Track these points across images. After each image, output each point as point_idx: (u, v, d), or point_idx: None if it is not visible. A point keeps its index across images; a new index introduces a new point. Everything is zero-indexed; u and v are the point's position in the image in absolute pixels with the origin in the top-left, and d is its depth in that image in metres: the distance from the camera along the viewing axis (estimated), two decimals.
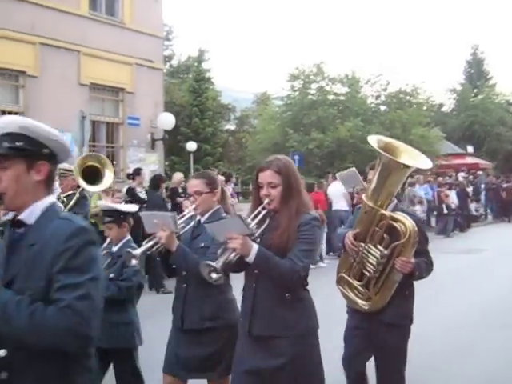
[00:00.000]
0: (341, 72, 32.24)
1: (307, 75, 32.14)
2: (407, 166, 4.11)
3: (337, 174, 12.58)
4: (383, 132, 28.44)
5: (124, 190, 12.42)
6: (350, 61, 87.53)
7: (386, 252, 4.12)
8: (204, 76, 38.78)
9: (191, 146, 27.97)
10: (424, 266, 4.31)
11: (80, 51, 17.83)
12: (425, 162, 4.27)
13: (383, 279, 4.21)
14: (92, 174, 8.12)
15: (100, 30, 18.48)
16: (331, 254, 15.60)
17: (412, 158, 4.21)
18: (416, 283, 4.45)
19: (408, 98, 32.38)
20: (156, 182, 12.17)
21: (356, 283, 4.40)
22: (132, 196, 12.28)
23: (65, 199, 7.92)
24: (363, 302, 4.35)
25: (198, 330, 4.22)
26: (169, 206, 12.95)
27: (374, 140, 4.33)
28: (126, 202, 11.76)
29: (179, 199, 13.13)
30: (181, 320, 4.32)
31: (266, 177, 3.57)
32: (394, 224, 4.10)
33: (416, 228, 4.07)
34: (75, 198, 8.19)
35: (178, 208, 12.81)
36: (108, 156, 19.17)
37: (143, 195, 12.37)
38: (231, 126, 46.06)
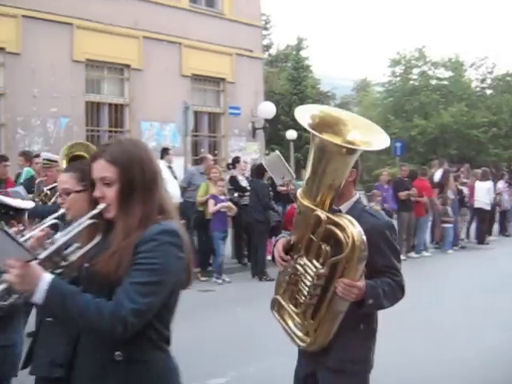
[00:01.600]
0: (444, 56, 31.36)
1: (409, 60, 31.48)
2: (350, 150, 2.92)
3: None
4: (490, 117, 27.40)
5: (227, 178, 12.59)
6: (453, 44, 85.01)
7: (322, 271, 2.90)
8: (303, 64, 38.57)
9: (291, 134, 27.93)
10: (385, 291, 3.03)
11: (181, 43, 18.19)
12: (380, 142, 3.04)
13: (324, 308, 2.96)
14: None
15: (200, 22, 18.76)
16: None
17: (364, 135, 3.03)
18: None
19: None
20: (260, 170, 12.25)
21: (291, 309, 3.18)
22: (233, 184, 12.44)
23: (48, 192, 7.30)
24: (302, 337, 3.12)
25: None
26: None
27: (302, 113, 3.15)
28: (229, 191, 11.95)
29: (279, 188, 13.18)
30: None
31: (98, 169, 2.40)
32: (335, 231, 2.86)
33: (364, 237, 2.81)
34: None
35: (279, 197, 12.87)
36: (210, 145, 19.61)
37: (244, 183, 12.50)
38: None
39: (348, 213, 3.04)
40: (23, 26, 14.86)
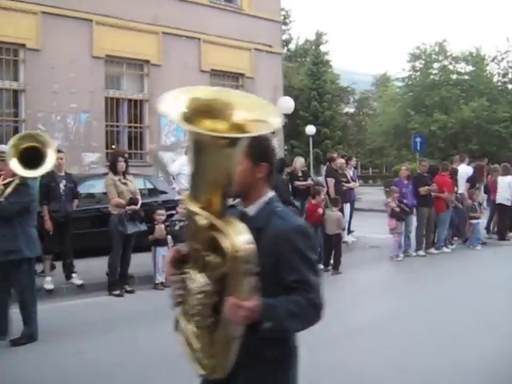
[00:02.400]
0: (464, 50, 31.06)
1: (429, 54, 31.24)
2: (229, 140, 2.40)
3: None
4: (511, 112, 27.15)
5: None
6: (474, 38, 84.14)
7: (206, 287, 2.49)
8: (322, 59, 38.48)
9: (310, 129, 27.87)
10: (290, 311, 2.48)
11: (200, 39, 18.22)
12: (268, 126, 2.48)
13: (220, 331, 2.50)
14: (34, 157, 7.02)
15: (219, 18, 18.77)
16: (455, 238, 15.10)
17: (254, 118, 2.50)
18: None
19: None
20: (280, 165, 12.24)
21: (190, 329, 2.68)
22: None
23: (2, 186, 6.94)
24: (202, 363, 2.66)
25: None
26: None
27: (172, 101, 2.53)
28: None
29: (297, 183, 13.15)
30: None
31: None
32: (219, 239, 2.39)
33: (250, 246, 2.34)
34: (13, 185, 6.93)
35: (297, 192, 12.86)
36: None
37: None
38: (350, 109, 45.60)
39: (256, 215, 2.66)
40: (43, 22, 14.97)
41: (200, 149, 2.42)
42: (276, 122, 2.51)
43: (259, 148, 2.69)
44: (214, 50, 18.52)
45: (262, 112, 2.57)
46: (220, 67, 18.90)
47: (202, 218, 2.44)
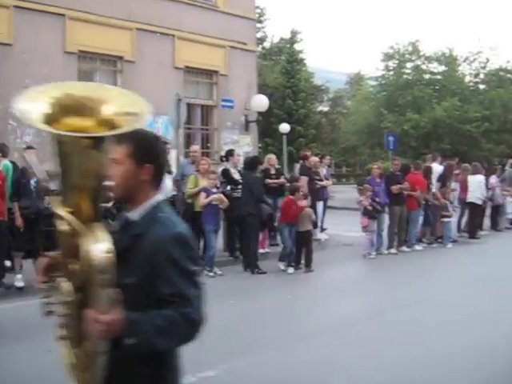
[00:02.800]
0: (437, 50, 31.32)
1: (402, 54, 31.46)
2: (94, 139, 2.27)
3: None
4: (482, 112, 27.46)
5: (219, 171, 12.57)
6: (446, 38, 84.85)
7: (69, 298, 2.33)
8: (296, 57, 38.51)
9: (284, 127, 27.87)
10: (159, 327, 2.28)
11: (175, 35, 18.15)
12: (139, 121, 2.44)
13: (85, 345, 2.36)
14: None
15: (194, 15, 18.71)
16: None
17: (122, 114, 2.42)
18: None
19: (509, 75, 31.05)
20: (254, 163, 12.25)
21: (65, 343, 2.50)
22: (226, 177, 12.44)
23: None
24: (76, 375, 2.45)
25: None
26: None
27: (30, 101, 2.32)
28: (221, 184, 11.95)
29: (268, 181, 13.17)
30: None
31: None
32: (80, 246, 2.25)
33: (107, 255, 2.21)
34: None
35: (270, 190, 12.89)
36: (203, 138, 19.56)
37: (237, 176, 12.50)
38: (324, 108, 45.75)
39: (139, 221, 2.47)
40: (15, 16, 14.78)
41: (63, 150, 2.25)
42: (145, 119, 2.43)
43: (143, 148, 2.49)
44: (188, 47, 18.45)
45: (133, 108, 2.49)
46: (194, 64, 18.83)
47: (65, 223, 2.27)
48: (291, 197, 11.55)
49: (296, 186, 11.81)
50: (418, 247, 14.24)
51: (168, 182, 11.92)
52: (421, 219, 14.84)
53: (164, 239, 2.36)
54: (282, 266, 11.56)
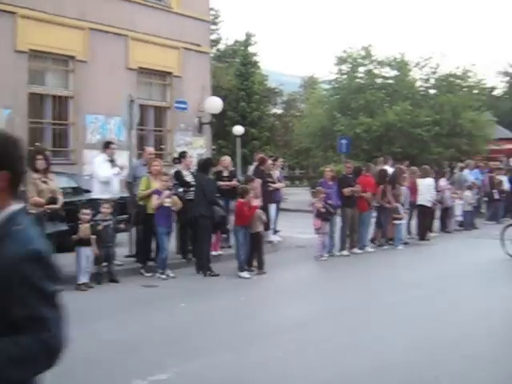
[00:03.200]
0: (389, 55, 31.74)
1: (355, 58, 31.75)
2: None
3: None
4: (433, 116, 27.95)
5: (171, 173, 12.50)
6: (398, 44, 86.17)
7: None
8: (251, 60, 38.61)
9: (238, 129, 27.91)
10: (10, 355, 2.04)
11: (128, 36, 18.01)
12: None
13: None
14: None
15: (148, 15, 18.60)
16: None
17: None
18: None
19: (458, 81, 31.66)
20: (206, 165, 12.22)
21: None
22: (178, 179, 12.39)
23: None
24: None
25: None
26: None
27: None
28: (174, 185, 11.89)
29: (220, 183, 13.16)
30: None
31: None
32: None
33: None
34: None
35: (223, 192, 12.88)
36: (156, 140, 19.45)
37: (189, 178, 12.45)
38: (278, 110, 45.87)
39: None
40: None
41: None
42: None
43: None
44: (141, 48, 18.33)
45: None
46: (147, 65, 18.72)
47: None
48: (241, 199, 11.58)
49: (245, 188, 11.85)
50: (369, 249, 14.42)
51: (115, 184, 11.83)
52: (373, 221, 15.04)
53: (17, 258, 2.07)
54: (245, 274, 11.36)
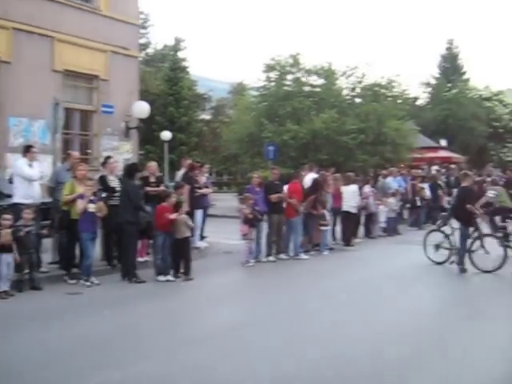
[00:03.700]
0: (317, 64, 32.19)
1: (283, 66, 32.05)
2: None
3: None
4: (358, 124, 28.53)
5: (96, 177, 12.29)
6: (326, 53, 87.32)
7: None
8: (180, 65, 38.53)
9: (166, 135, 27.82)
10: None
11: (54, 37, 17.63)
12: None
13: None
14: None
15: (75, 17, 18.27)
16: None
17: None
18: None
19: (383, 90, 32.41)
20: (131, 170, 12.09)
21: None
22: (103, 184, 12.20)
23: None
24: None
25: None
26: None
27: None
28: (98, 190, 11.71)
29: (147, 188, 13.04)
30: None
31: None
32: None
33: None
34: None
35: (149, 198, 12.76)
36: (81, 144, 19.09)
37: (115, 184, 12.27)
38: (207, 116, 45.85)
39: None
40: None
41: None
42: None
43: None
44: (68, 50, 17.97)
45: None
46: (74, 68, 18.36)
47: None
48: (164, 203, 11.55)
49: (168, 192, 11.81)
50: (304, 256, 14.48)
51: (37, 188, 11.53)
52: None
53: None
54: (161, 278, 11.41)
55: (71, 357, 6.62)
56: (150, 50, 44.01)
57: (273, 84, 32.27)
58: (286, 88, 31.72)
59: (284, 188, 14.61)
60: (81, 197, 10.85)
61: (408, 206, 21.39)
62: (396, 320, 8.46)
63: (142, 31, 38.65)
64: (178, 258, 11.62)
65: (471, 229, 12.58)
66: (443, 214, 15.58)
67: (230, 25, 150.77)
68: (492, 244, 12.38)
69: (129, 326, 8.17)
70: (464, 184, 13.08)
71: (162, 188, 13.34)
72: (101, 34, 18.82)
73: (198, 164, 16.05)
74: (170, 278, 11.36)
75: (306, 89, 32.07)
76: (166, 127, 31.19)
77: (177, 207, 11.59)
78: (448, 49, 52.50)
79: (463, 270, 12.35)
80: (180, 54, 39.74)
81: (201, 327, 8.17)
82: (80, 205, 10.79)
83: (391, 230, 19.13)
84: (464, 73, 51.66)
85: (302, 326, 8.11)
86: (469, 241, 12.49)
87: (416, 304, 9.55)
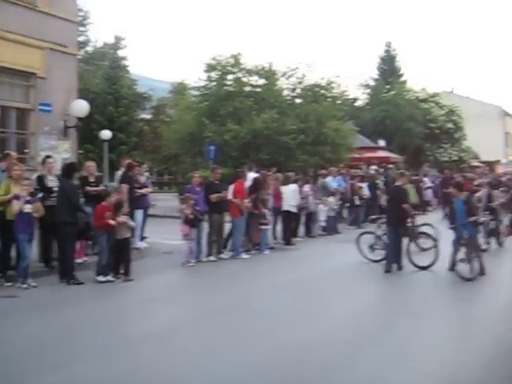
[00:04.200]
0: (258, 64, 32.35)
1: (224, 66, 32.09)
2: None
3: None
4: (298, 125, 28.81)
5: (33, 177, 12.06)
6: (267, 53, 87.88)
7: None
8: (120, 63, 38.10)
9: (105, 134, 27.48)
10: None
11: None
12: None
13: None
14: None
15: (11, 12, 17.80)
16: None
17: None
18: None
19: (323, 91, 32.81)
20: (69, 170, 11.90)
21: None
22: (40, 184, 11.98)
23: None
24: None
25: None
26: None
27: None
28: (35, 190, 11.48)
29: (88, 188, 12.88)
30: None
31: None
32: None
33: None
34: None
35: (88, 197, 12.60)
36: (18, 143, 18.65)
37: (53, 183, 12.06)
38: (147, 115, 45.44)
39: None
40: None
41: None
42: None
43: None
44: (3, 46, 17.50)
45: None
46: (9, 65, 17.87)
47: None
48: (104, 203, 11.45)
49: (108, 191, 11.74)
50: (244, 255, 14.55)
51: None
52: None
53: None
54: (101, 278, 11.27)
55: (2, 363, 6.47)
56: (89, 48, 43.31)
57: (214, 84, 32.26)
58: (226, 88, 31.75)
59: (230, 187, 14.68)
60: (16, 197, 10.62)
61: (347, 205, 21.73)
62: (333, 319, 8.60)
63: (82, 29, 38.05)
64: (117, 258, 11.52)
65: (404, 228, 12.73)
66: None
67: (171, 24, 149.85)
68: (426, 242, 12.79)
69: (65, 328, 8.05)
70: (398, 183, 13.33)
71: (101, 188, 13.20)
72: (38, 31, 18.40)
73: (136, 163, 15.92)
74: (109, 278, 11.25)
75: (247, 89, 32.17)
76: (106, 126, 30.79)
77: (117, 208, 11.49)
78: (386, 51, 53.43)
79: (388, 271, 12.42)
80: (120, 53, 39.30)
81: (139, 329, 8.11)
82: (16, 206, 10.56)
83: (331, 228, 19.40)
84: (401, 75, 52.69)
85: (239, 327, 8.15)
86: (404, 240, 12.74)
87: (353, 302, 9.73)
